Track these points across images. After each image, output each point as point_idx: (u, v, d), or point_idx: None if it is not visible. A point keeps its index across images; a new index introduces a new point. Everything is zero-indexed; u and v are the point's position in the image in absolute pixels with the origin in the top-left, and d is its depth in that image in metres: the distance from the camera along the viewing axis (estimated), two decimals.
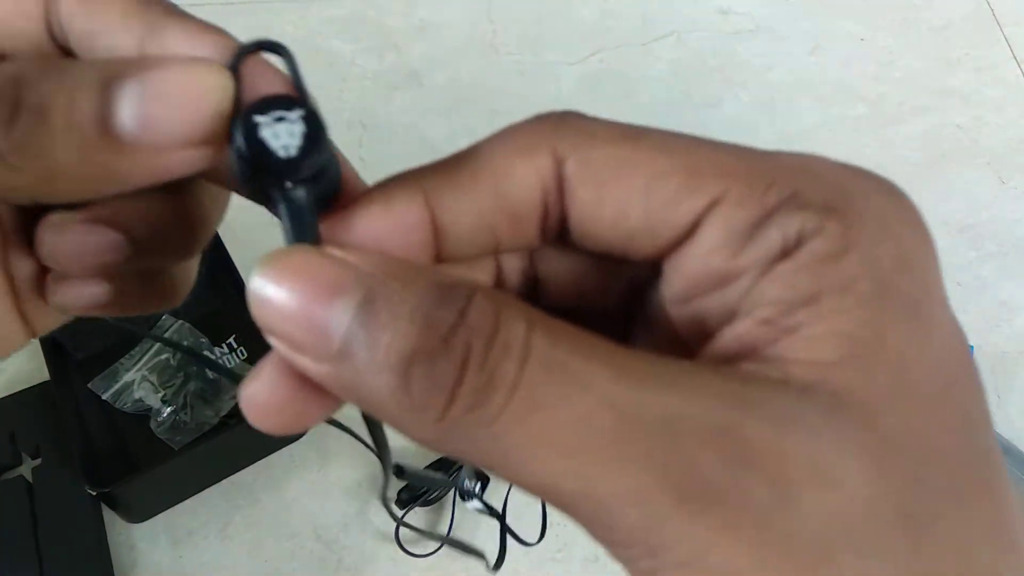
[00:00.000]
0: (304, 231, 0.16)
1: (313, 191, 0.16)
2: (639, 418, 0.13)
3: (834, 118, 0.81)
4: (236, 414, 0.57)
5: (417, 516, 0.57)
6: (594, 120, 0.17)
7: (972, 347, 0.69)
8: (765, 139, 0.78)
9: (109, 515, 0.54)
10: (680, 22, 0.85)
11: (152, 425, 0.56)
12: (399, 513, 0.55)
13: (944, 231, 0.75)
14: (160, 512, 0.55)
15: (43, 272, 0.21)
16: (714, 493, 0.13)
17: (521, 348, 0.14)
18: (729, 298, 0.16)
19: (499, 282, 0.19)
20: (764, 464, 0.13)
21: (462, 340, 0.14)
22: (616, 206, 0.16)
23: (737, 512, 0.13)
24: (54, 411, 0.54)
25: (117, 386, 0.57)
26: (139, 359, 0.58)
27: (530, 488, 0.14)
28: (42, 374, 0.55)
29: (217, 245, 0.58)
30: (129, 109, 0.15)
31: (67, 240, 0.19)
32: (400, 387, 0.14)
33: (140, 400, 0.56)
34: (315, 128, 0.16)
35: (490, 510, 0.57)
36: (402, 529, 0.55)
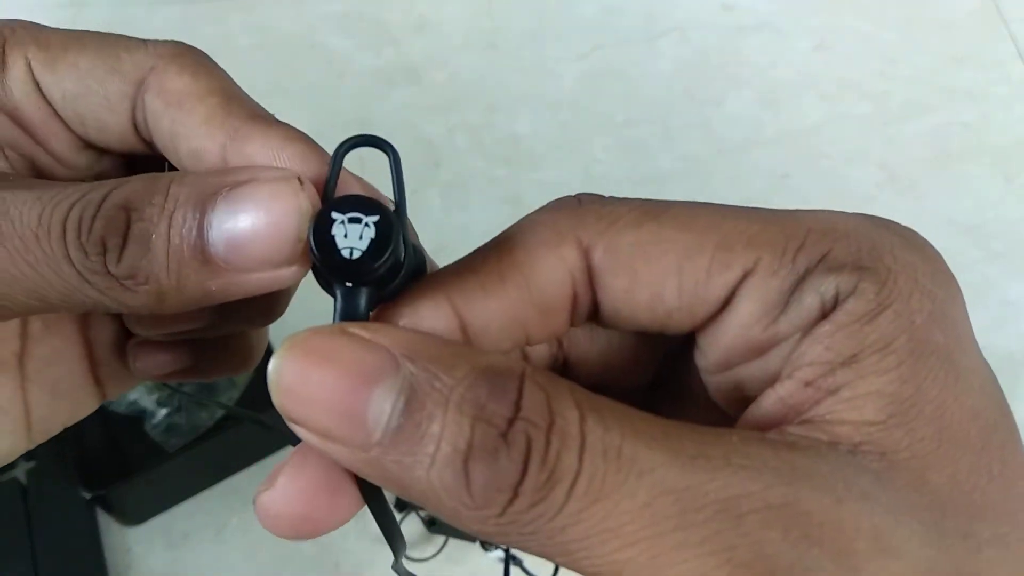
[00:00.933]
0: None
1: (373, 295, 0.16)
2: (699, 501, 0.13)
3: (839, 116, 0.80)
4: (231, 416, 0.57)
5: (414, 519, 0.57)
6: (612, 201, 0.17)
7: None
8: (768, 137, 0.77)
9: (104, 518, 0.54)
10: (683, 18, 0.84)
11: (147, 427, 0.55)
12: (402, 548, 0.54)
13: (950, 230, 0.74)
14: (155, 515, 0.55)
15: (125, 338, 0.22)
16: (781, 573, 0.13)
17: (577, 437, 0.13)
18: (770, 365, 0.16)
19: None
20: (826, 538, 0.13)
21: (522, 434, 0.13)
22: (650, 289, 0.16)
23: None
24: None
25: None
26: None
27: None
28: None
29: None
30: (218, 235, 0.16)
31: None
32: (460, 485, 0.13)
33: (135, 401, 0.56)
34: (385, 236, 0.16)
35: (509, 556, 0.56)
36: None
